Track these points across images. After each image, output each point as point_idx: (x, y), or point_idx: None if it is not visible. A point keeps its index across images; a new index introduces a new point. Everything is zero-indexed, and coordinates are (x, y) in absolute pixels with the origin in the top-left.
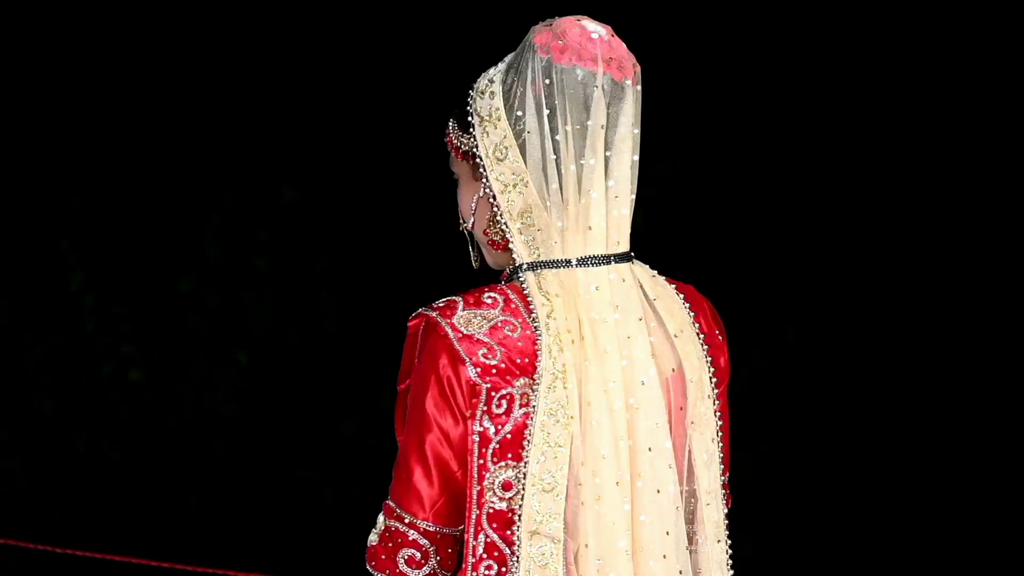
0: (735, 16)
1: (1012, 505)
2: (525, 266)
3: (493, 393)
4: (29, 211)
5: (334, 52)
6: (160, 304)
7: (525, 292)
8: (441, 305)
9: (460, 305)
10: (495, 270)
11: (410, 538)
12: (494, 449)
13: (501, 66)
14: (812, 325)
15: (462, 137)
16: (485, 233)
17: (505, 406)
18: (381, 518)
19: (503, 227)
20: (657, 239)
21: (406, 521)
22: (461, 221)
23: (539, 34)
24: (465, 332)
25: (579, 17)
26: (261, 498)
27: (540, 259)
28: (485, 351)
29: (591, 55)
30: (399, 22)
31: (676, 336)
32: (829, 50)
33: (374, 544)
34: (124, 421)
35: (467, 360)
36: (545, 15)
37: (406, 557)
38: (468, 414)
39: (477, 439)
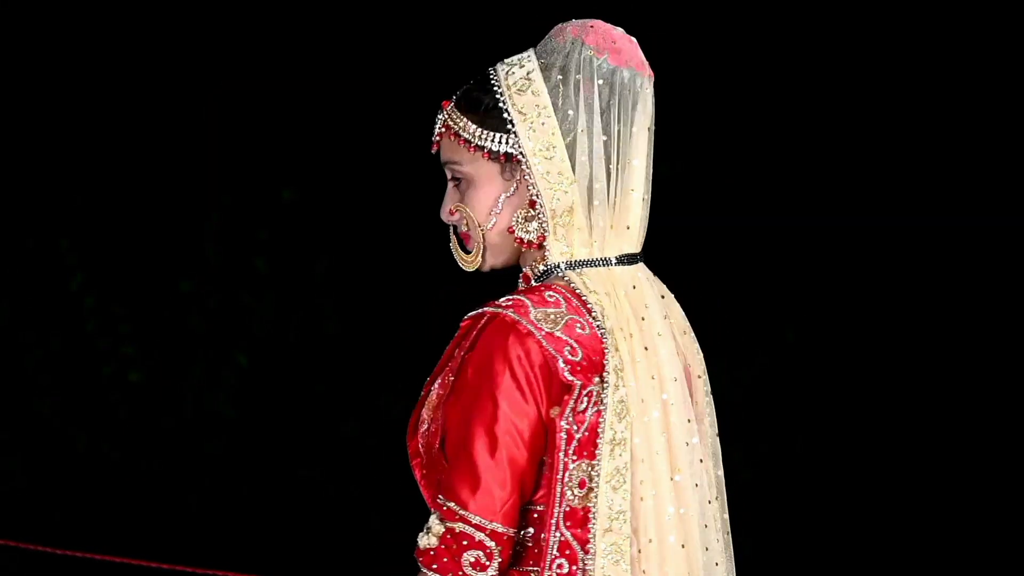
0: (735, 17)
1: (1012, 505)
2: (564, 265)
3: (582, 391)
4: (29, 211)
5: (334, 52)
6: (160, 305)
7: (576, 291)
8: (510, 304)
9: (530, 304)
10: (484, 272)
11: (477, 539)
12: (574, 447)
13: (529, 64)
14: (812, 325)
15: (488, 135)
16: (510, 231)
17: (585, 404)
18: (436, 520)
19: (543, 226)
20: (657, 239)
21: (473, 522)
22: (473, 222)
23: (588, 35)
24: (547, 330)
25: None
26: (261, 498)
27: (574, 258)
28: (569, 349)
29: (638, 58)
30: (399, 22)
31: (684, 333)
32: (829, 50)
33: (433, 547)
34: (124, 421)
35: (558, 357)
36: (544, 15)
37: (471, 560)
38: (556, 412)
39: (565, 436)
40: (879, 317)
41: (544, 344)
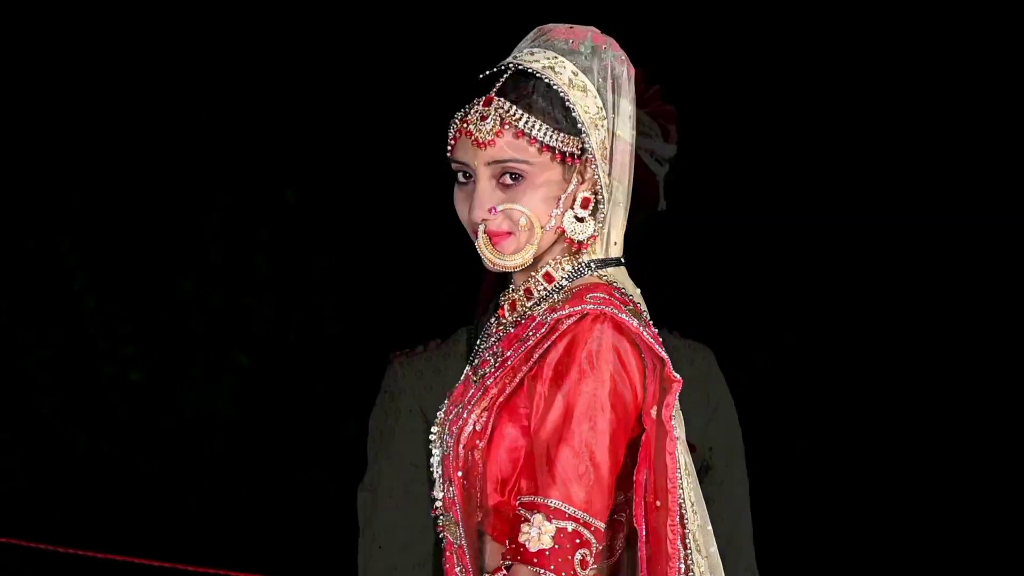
0: (735, 16)
1: (1012, 505)
2: (594, 264)
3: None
4: (30, 211)
5: (334, 52)
6: (161, 305)
7: (623, 291)
8: (600, 300)
9: (619, 303)
10: (504, 272)
11: (585, 538)
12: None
13: (568, 65)
14: (812, 326)
15: (560, 136)
16: (559, 231)
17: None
18: (543, 519)
19: (598, 225)
20: (657, 239)
21: (582, 520)
22: (533, 222)
23: (607, 40)
24: (645, 331)
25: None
26: (261, 498)
27: (596, 257)
28: (663, 347)
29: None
30: (399, 22)
31: None
32: (829, 50)
33: (548, 547)
34: (124, 421)
35: (663, 354)
36: (545, 16)
37: (580, 558)
38: (656, 412)
39: (678, 435)
40: (878, 318)
41: (650, 342)
